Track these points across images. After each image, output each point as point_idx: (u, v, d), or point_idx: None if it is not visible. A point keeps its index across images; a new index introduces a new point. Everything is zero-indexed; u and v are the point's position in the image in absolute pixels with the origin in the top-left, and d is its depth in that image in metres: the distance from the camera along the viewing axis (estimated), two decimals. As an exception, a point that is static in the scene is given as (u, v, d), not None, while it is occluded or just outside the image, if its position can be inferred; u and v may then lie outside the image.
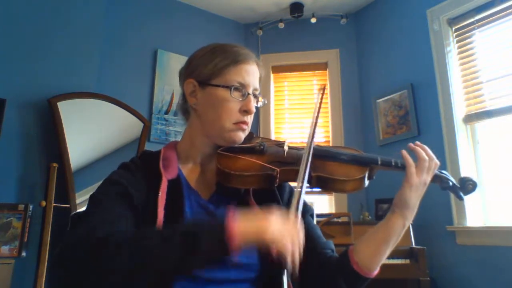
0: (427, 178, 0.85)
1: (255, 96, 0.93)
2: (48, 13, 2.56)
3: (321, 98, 0.90)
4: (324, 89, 0.94)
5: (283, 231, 0.67)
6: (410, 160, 0.86)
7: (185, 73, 0.95)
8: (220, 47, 0.93)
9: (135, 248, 0.65)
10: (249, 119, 0.92)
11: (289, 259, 0.66)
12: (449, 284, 2.39)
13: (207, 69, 0.90)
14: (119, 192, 0.80)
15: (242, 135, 0.91)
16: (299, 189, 0.78)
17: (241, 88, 0.89)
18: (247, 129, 0.92)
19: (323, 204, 3.14)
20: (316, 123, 0.88)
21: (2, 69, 2.34)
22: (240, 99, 0.89)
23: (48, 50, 2.51)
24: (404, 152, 0.86)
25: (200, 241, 0.65)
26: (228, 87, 0.88)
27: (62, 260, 0.66)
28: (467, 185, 0.92)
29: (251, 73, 0.91)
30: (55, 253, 0.67)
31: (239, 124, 0.89)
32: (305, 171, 0.80)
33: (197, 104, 0.92)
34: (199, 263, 0.67)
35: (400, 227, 0.86)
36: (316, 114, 0.88)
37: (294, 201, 0.76)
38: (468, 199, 2.43)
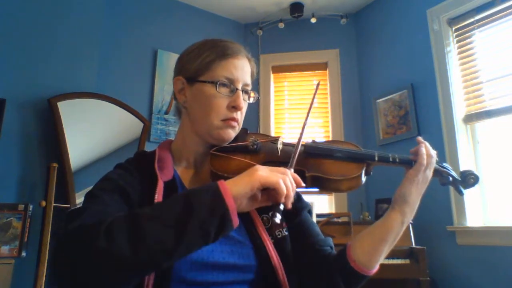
0: (430, 174, 0.84)
1: (246, 92, 0.90)
2: (48, 13, 2.56)
3: (315, 93, 0.91)
4: (318, 84, 0.95)
5: (271, 171, 0.70)
6: (424, 155, 0.83)
7: (175, 71, 0.93)
8: (209, 42, 0.90)
9: (129, 225, 0.60)
10: (239, 115, 0.88)
11: (281, 191, 0.67)
12: (449, 284, 2.39)
13: (194, 65, 0.87)
14: (116, 188, 0.78)
15: (231, 132, 0.87)
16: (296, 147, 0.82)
17: (229, 83, 0.86)
18: (238, 126, 0.89)
19: (323, 204, 3.14)
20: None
21: (2, 69, 2.34)
22: (228, 94, 0.86)
23: (48, 50, 2.51)
24: (422, 149, 0.83)
25: (194, 198, 0.64)
26: (214, 83, 0.85)
27: (58, 258, 0.62)
28: (469, 179, 0.89)
29: (239, 68, 0.87)
30: (53, 252, 0.64)
31: (227, 121, 0.86)
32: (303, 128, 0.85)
33: (186, 101, 0.90)
34: (198, 229, 0.61)
35: (399, 224, 0.83)
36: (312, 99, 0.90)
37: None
38: (468, 199, 2.44)
